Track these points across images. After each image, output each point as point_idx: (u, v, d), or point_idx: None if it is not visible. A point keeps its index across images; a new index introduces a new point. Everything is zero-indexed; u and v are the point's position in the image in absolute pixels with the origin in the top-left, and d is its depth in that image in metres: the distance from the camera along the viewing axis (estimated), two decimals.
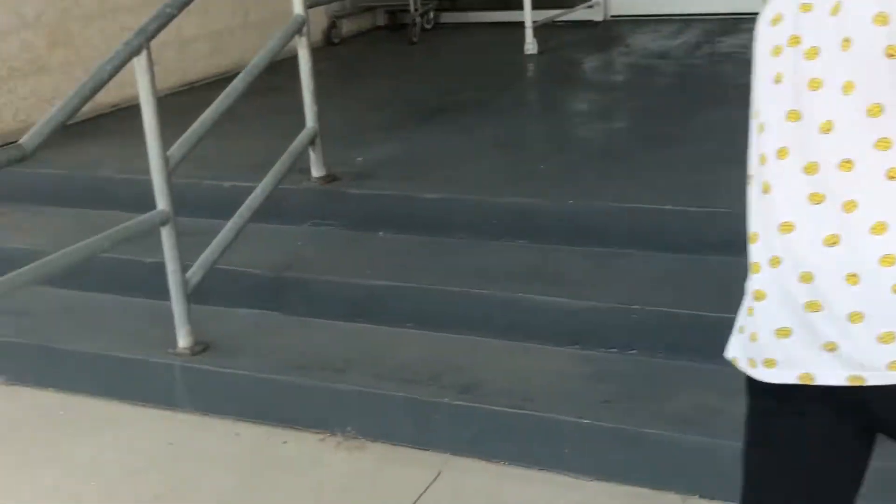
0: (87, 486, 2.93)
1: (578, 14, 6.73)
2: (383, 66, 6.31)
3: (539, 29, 6.07)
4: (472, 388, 2.97)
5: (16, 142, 2.82)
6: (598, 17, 6.82)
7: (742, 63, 5.35)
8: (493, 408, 2.88)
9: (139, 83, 3.09)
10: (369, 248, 3.70)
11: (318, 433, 3.08)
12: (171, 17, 3.22)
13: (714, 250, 3.25)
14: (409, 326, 3.35)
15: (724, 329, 2.94)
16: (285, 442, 3.07)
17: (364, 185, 3.94)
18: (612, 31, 6.61)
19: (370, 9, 7.40)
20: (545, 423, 2.82)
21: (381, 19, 7.51)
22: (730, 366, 2.88)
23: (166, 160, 3.15)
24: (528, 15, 5.97)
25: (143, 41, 3.09)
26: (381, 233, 3.80)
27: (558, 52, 6.10)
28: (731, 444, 2.58)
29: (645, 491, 2.68)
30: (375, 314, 3.41)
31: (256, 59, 3.56)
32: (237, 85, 3.46)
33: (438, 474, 2.85)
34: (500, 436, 2.87)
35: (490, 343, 3.22)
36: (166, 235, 3.18)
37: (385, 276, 3.47)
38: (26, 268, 2.83)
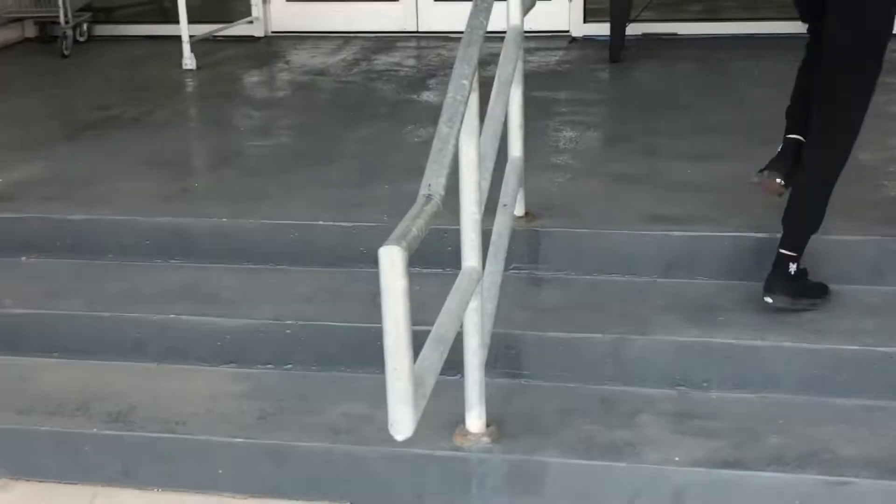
0: None
1: (238, 29, 6.71)
2: (30, 80, 5.96)
3: (197, 43, 6.00)
4: (122, 417, 2.89)
5: None
6: (259, 33, 6.84)
7: (395, 80, 5.61)
8: (144, 434, 2.82)
9: None
10: (9, 275, 3.49)
11: None
12: None
13: (363, 262, 3.37)
14: (55, 356, 3.20)
15: (372, 338, 3.07)
16: None
17: (2, 208, 3.71)
18: (273, 46, 6.65)
19: (18, 20, 6.97)
20: (198, 446, 2.79)
21: (31, 31, 7.09)
22: (379, 374, 3.01)
23: None
24: (184, 29, 5.88)
25: None
26: (23, 258, 3.59)
27: (217, 67, 6.05)
28: (379, 451, 2.72)
29: (298, 503, 2.73)
30: (16, 344, 3.23)
31: None
32: None
33: None
34: (152, 462, 2.81)
35: (142, 368, 3.15)
36: None
37: (27, 304, 3.30)
38: None
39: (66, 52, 6.47)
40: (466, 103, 2.41)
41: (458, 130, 2.34)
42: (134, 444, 2.82)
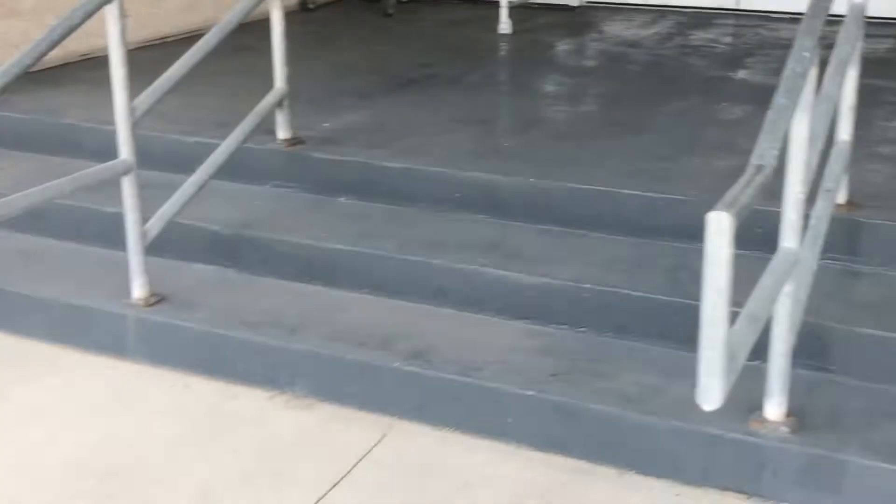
0: (32, 429, 2.94)
1: None
2: (357, 35, 6.31)
3: (514, 9, 6.09)
4: (421, 355, 3.01)
5: None
6: (574, 2, 6.86)
7: (710, 57, 5.46)
8: (441, 375, 2.93)
9: (109, 32, 3.09)
10: (329, 213, 3.73)
11: (267, 390, 3.11)
12: None
13: (667, 235, 3.32)
14: (364, 291, 3.38)
15: (671, 312, 3.03)
16: (235, 397, 3.10)
17: (328, 150, 3.96)
18: (587, 16, 6.65)
19: None
20: (490, 393, 2.87)
21: None
22: (674, 348, 2.95)
23: (131, 110, 3.16)
24: None
25: None
26: (342, 198, 3.82)
27: (532, 33, 6.13)
28: (669, 424, 2.68)
29: (582, 464, 2.75)
30: (330, 277, 3.44)
31: (228, 16, 3.56)
32: (207, 41, 3.47)
33: (383, 436, 2.90)
34: (446, 402, 2.92)
35: (443, 312, 3.26)
36: (127, 185, 3.19)
37: (343, 241, 3.50)
38: None
39: (389, 12, 6.78)
40: (806, 77, 2.30)
41: (795, 104, 2.25)
42: (431, 382, 2.93)
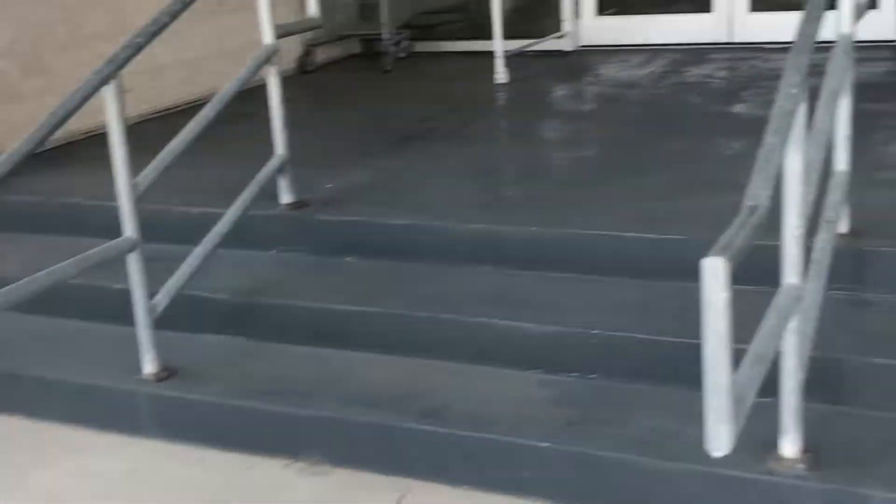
0: None
1: (549, 44, 6.83)
2: (356, 93, 6.38)
3: (510, 58, 6.15)
4: (435, 413, 3.00)
5: None
6: (568, 48, 6.93)
7: (707, 93, 5.50)
8: (456, 432, 2.92)
9: (107, 112, 3.13)
10: (336, 274, 3.75)
11: (283, 459, 3.10)
12: (140, 48, 3.27)
13: (673, 276, 3.31)
14: (375, 351, 3.38)
15: (681, 353, 3.02)
16: (250, 468, 3.10)
17: (332, 212, 3.98)
18: (582, 60, 6.71)
19: (345, 37, 7.48)
20: (506, 447, 2.85)
21: (356, 47, 7.60)
22: (687, 390, 2.93)
23: (133, 187, 3.19)
24: (498, 45, 6.05)
25: (112, 70, 3.14)
26: (348, 258, 3.84)
27: (528, 81, 6.18)
28: (688, 467, 2.66)
29: None
30: (341, 339, 3.45)
31: (225, 88, 3.61)
32: (206, 113, 3.51)
33: (401, 498, 2.88)
34: (463, 460, 2.91)
35: (455, 368, 3.26)
36: (132, 262, 3.22)
37: (351, 302, 3.52)
38: None
39: (387, 68, 6.86)
40: (794, 114, 2.32)
41: (785, 141, 2.26)
42: (446, 440, 2.92)
